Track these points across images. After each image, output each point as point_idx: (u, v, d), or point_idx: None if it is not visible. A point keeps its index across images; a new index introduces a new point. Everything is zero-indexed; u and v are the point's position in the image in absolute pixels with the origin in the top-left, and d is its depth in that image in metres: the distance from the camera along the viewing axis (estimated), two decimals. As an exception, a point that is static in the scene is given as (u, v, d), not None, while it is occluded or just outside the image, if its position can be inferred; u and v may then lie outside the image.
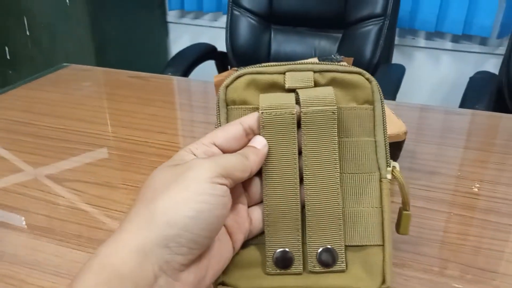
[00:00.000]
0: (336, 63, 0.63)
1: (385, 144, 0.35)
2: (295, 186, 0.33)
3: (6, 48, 1.91)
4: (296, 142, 0.33)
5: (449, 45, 1.82)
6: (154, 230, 0.26)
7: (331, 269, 0.33)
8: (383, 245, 0.34)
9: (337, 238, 0.34)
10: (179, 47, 1.90)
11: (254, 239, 0.35)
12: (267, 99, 0.34)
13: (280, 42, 1.49)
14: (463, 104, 1.13)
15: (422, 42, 1.85)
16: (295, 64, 0.35)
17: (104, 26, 1.78)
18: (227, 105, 0.35)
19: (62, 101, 0.77)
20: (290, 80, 0.34)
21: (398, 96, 1.22)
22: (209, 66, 1.53)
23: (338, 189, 0.33)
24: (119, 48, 1.88)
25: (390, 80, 1.25)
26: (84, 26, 1.72)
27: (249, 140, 0.33)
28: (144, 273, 0.25)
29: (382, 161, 0.34)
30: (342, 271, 0.33)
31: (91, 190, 0.52)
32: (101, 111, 0.74)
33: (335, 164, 0.33)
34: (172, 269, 0.26)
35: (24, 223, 0.47)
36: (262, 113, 0.33)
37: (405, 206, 0.35)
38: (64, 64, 0.95)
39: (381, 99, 0.35)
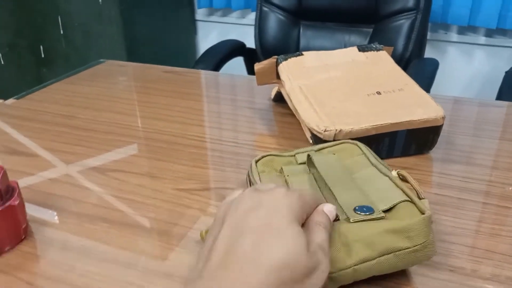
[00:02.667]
0: (376, 51, 0.63)
1: (383, 164, 0.44)
2: None
3: (41, 47, 1.97)
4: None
5: (482, 39, 1.78)
6: None
7: (370, 216, 0.36)
8: (411, 201, 0.37)
9: (365, 198, 0.38)
10: (207, 45, 1.92)
11: None
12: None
13: (309, 38, 1.49)
14: (499, 98, 1.10)
15: (454, 36, 1.81)
16: (300, 148, 0.49)
17: (135, 25, 1.82)
18: (258, 172, 0.46)
19: (101, 95, 0.79)
20: (300, 157, 0.48)
21: (432, 90, 1.20)
22: (238, 62, 1.54)
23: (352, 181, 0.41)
24: (149, 46, 1.91)
25: (424, 74, 1.23)
26: (116, 25, 1.76)
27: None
28: None
29: (385, 171, 0.42)
30: (382, 218, 0.36)
31: (133, 179, 0.54)
32: (138, 104, 0.76)
33: (344, 174, 0.43)
34: None
35: (71, 210, 0.48)
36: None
37: (419, 195, 0.40)
38: (101, 60, 0.98)
39: (367, 150, 0.47)
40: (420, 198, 0.39)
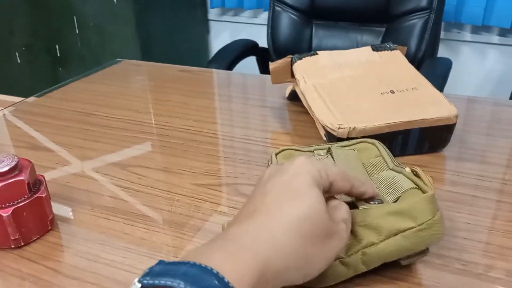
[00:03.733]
0: (390, 51, 0.64)
1: (398, 165, 0.44)
2: None
3: (57, 47, 2.01)
4: None
5: (496, 39, 1.77)
6: (295, 276, 0.32)
7: (380, 204, 0.38)
8: (418, 188, 0.39)
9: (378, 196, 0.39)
10: (219, 44, 1.94)
11: None
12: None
13: (321, 37, 1.50)
14: (513, 98, 1.10)
15: (468, 36, 1.80)
16: (319, 145, 0.50)
17: (149, 25, 1.84)
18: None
19: (118, 93, 0.81)
20: (318, 153, 0.48)
21: (445, 90, 1.20)
22: (250, 61, 1.55)
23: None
24: (163, 46, 1.94)
25: (437, 74, 1.23)
26: (130, 25, 1.79)
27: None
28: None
29: (400, 170, 0.43)
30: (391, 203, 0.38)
31: (152, 174, 0.55)
32: (154, 102, 0.78)
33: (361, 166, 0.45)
34: None
35: (94, 203, 0.50)
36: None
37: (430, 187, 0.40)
38: (117, 59, 1.00)
39: (385, 150, 0.47)
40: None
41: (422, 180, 0.40)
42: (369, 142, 0.49)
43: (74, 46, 1.95)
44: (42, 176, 0.46)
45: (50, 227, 0.46)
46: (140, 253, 0.42)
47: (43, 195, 0.44)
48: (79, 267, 0.41)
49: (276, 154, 0.49)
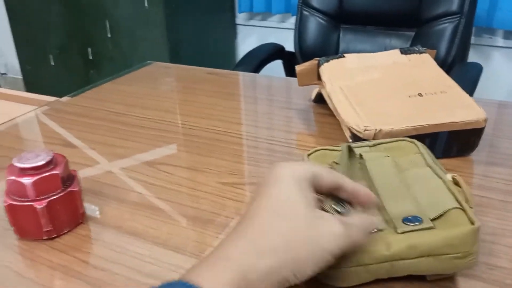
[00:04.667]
0: (419, 54, 0.63)
1: (438, 166, 0.44)
2: None
3: (89, 50, 2.07)
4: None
5: (529, 44, 1.72)
6: (283, 273, 0.31)
7: (418, 227, 0.36)
8: (462, 208, 0.37)
9: (415, 206, 0.38)
10: (246, 48, 1.95)
11: None
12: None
13: (348, 41, 1.49)
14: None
15: (500, 41, 1.76)
16: (354, 143, 0.49)
17: (179, 29, 1.88)
18: None
19: (149, 94, 0.84)
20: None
21: (475, 95, 1.17)
22: (277, 65, 1.56)
23: (402, 183, 0.41)
24: (191, 49, 1.97)
25: (467, 79, 1.21)
26: (160, 29, 1.83)
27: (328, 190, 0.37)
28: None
29: (440, 173, 0.42)
30: (430, 228, 0.36)
31: (180, 172, 0.57)
32: (183, 103, 0.79)
33: (397, 177, 0.42)
34: None
35: (123, 199, 0.52)
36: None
37: (469, 203, 0.39)
38: (148, 62, 1.02)
39: (425, 149, 0.46)
40: (470, 207, 0.38)
41: (464, 191, 0.39)
42: (408, 141, 0.48)
43: (105, 49, 2.01)
44: (75, 171, 0.48)
45: (81, 221, 0.47)
46: (166, 248, 0.43)
47: (76, 189, 0.45)
48: (107, 259, 0.42)
49: (309, 155, 0.48)
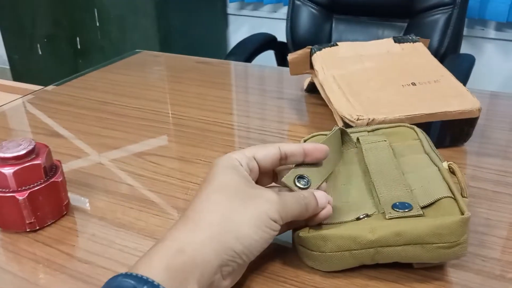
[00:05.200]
0: (412, 43, 0.62)
1: (435, 153, 0.42)
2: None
3: (78, 39, 2.03)
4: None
5: (521, 36, 1.72)
6: (223, 240, 0.32)
7: (406, 213, 0.36)
8: (454, 198, 0.36)
9: (406, 192, 0.38)
10: (238, 38, 1.93)
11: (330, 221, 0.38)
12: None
13: (341, 32, 1.48)
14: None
15: (492, 33, 1.76)
16: (352, 128, 0.48)
17: (169, 18, 1.85)
18: None
19: (136, 83, 0.82)
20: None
21: (467, 86, 1.17)
22: (268, 56, 1.54)
23: (398, 171, 0.40)
24: (181, 39, 1.94)
25: (459, 70, 1.20)
26: (150, 18, 1.80)
27: (280, 163, 0.39)
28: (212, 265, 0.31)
29: (437, 161, 0.41)
30: (419, 216, 0.36)
31: (168, 163, 0.55)
32: (172, 92, 0.77)
33: (392, 163, 0.41)
34: (226, 272, 0.32)
35: (109, 190, 0.50)
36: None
37: (463, 192, 0.38)
38: (136, 50, 1.00)
39: (424, 136, 0.46)
40: (463, 196, 0.38)
41: (458, 180, 0.38)
42: (407, 127, 0.47)
43: (94, 38, 1.97)
44: (59, 161, 0.46)
45: (65, 212, 0.46)
46: (154, 240, 0.42)
47: (59, 180, 0.44)
48: (92, 252, 0.41)
49: (305, 141, 0.47)
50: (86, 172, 0.54)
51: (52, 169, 0.45)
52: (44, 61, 2.18)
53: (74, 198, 0.49)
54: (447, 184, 0.38)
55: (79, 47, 2.05)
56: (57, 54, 2.13)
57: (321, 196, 0.36)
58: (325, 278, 0.37)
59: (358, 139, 0.45)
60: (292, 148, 0.38)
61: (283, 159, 0.39)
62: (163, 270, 0.29)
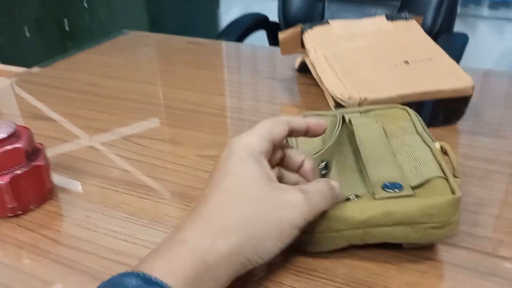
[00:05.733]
0: (405, 20, 0.61)
1: (428, 133, 0.41)
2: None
3: (65, 21, 1.98)
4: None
5: (516, 15, 1.70)
6: (243, 251, 0.29)
7: (397, 194, 0.35)
8: (446, 178, 0.35)
9: (396, 172, 0.37)
10: (230, 19, 1.90)
11: None
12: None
13: (333, 11, 1.45)
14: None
15: (486, 11, 1.74)
16: (346, 108, 0.48)
17: (158, -2, 1.81)
18: None
19: (125, 64, 0.80)
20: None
21: (460, 65, 1.16)
22: (260, 36, 1.51)
23: (390, 150, 0.39)
24: (172, 20, 1.91)
25: (452, 49, 1.19)
26: (139, -2, 1.75)
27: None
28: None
29: (429, 142, 0.40)
30: (410, 196, 0.35)
31: (155, 145, 0.54)
32: (162, 74, 0.76)
33: (384, 143, 0.40)
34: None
35: (95, 173, 0.49)
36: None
37: (455, 172, 0.37)
38: (124, 30, 0.98)
39: (416, 116, 0.44)
40: (455, 176, 0.37)
41: (450, 160, 0.38)
42: (400, 108, 0.46)
43: (82, 20, 1.93)
44: (41, 144, 0.45)
45: (49, 197, 0.45)
46: (140, 223, 0.41)
47: (42, 164, 0.43)
48: (77, 237, 0.40)
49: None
50: (72, 156, 0.52)
51: (34, 152, 0.43)
52: (32, 43, 2.13)
53: (59, 182, 0.47)
54: (439, 164, 0.37)
55: (67, 29, 2.00)
56: (45, 36, 2.08)
57: (336, 185, 0.35)
58: (314, 259, 0.36)
59: (350, 120, 0.44)
60: (299, 123, 0.36)
61: (288, 134, 0.37)
62: (183, 279, 0.27)
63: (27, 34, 2.11)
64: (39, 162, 0.42)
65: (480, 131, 0.55)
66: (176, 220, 0.41)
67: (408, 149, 0.39)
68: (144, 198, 0.45)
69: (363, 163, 0.38)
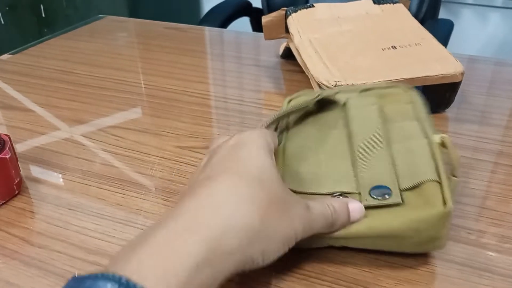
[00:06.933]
0: (392, 4, 0.58)
1: (428, 123, 0.38)
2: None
3: (42, 6, 1.91)
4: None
5: (499, 1, 1.70)
6: (250, 252, 0.26)
7: (384, 201, 0.32)
8: (440, 182, 0.32)
9: (387, 174, 0.33)
10: (211, 4, 1.85)
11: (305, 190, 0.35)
12: None
13: (318, -3, 1.42)
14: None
15: (470, -2, 1.73)
16: (344, 86, 0.44)
17: (137, -17, 1.75)
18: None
19: (99, 50, 0.76)
20: (340, 98, 0.42)
21: (445, 52, 1.15)
22: (244, 22, 1.48)
23: (383, 140, 0.36)
24: (152, 5, 1.85)
25: (438, 35, 1.17)
26: (117, -18, 1.70)
27: None
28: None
29: (429, 132, 0.36)
30: (397, 204, 0.32)
31: (132, 136, 0.51)
32: (138, 60, 0.72)
33: (378, 128, 0.37)
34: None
35: (66, 166, 0.46)
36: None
37: (453, 171, 0.34)
38: (100, 16, 0.93)
39: (419, 100, 0.41)
40: (453, 176, 0.34)
41: (450, 157, 0.34)
42: (403, 88, 0.42)
43: (59, 5, 1.86)
44: (7, 135, 0.42)
45: (17, 191, 0.42)
46: (115, 220, 0.38)
47: (7, 156, 0.39)
48: (47, 235, 0.37)
49: (289, 101, 0.44)
50: (42, 147, 0.49)
51: (-1, 145, 0.40)
52: (7, 30, 2.05)
53: (29, 176, 0.44)
54: (435, 162, 0.34)
55: (43, 15, 1.93)
56: (20, 23, 2.01)
57: (356, 209, 0.32)
58: (299, 257, 0.34)
59: (344, 103, 0.41)
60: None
61: None
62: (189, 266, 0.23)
63: (1, 21, 2.03)
64: (4, 155, 0.39)
65: (466, 118, 0.53)
66: (154, 216, 0.39)
67: (404, 138, 0.36)
68: (119, 193, 0.42)
69: (354, 154, 0.36)
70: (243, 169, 0.28)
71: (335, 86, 0.48)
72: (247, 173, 0.28)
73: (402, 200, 0.32)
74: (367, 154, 0.35)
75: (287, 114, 0.42)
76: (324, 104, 0.42)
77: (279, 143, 0.40)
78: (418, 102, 0.41)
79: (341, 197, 0.33)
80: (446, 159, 0.34)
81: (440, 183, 0.32)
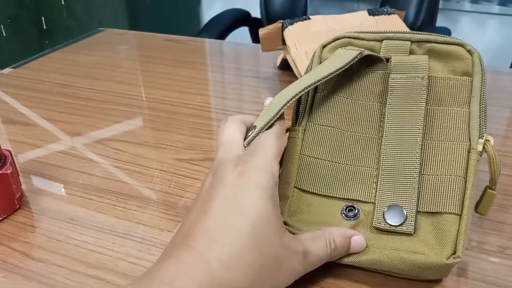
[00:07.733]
0: (387, 15, 0.59)
1: (480, 116, 0.33)
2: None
3: (43, 18, 1.93)
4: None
5: (496, 8, 1.71)
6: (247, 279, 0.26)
7: (396, 228, 0.31)
8: (460, 215, 0.31)
9: (408, 197, 0.32)
10: (211, 14, 1.87)
11: (319, 190, 0.35)
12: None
13: (316, 6, 1.44)
14: (514, 69, 1.06)
15: (467, 5, 1.75)
16: (393, 32, 0.35)
17: (137, -6, 1.77)
18: (320, 62, 0.37)
19: (100, 63, 0.77)
20: (386, 48, 0.35)
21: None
22: (243, 32, 1.49)
23: (417, 152, 0.32)
24: (152, 16, 1.87)
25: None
26: (118, -6, 1.72)
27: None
28: None
29: (474, 132, 0.33)
30: (409, 234, 0.31)
31: (131, 149, 0.52)
32: (138, 73, 0.73)
33: (418, 129, 0.33)
34: None
35: (66, 180, 0.47)
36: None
37: (492, 184, 0.33)
38: (100, 28, 0.95)
39: (482, 71, 0.34)
40: (490, 188, 0.33)
41: (490, 168, 0.32)
42: (463, 48, 0.35)
43: (60, 17, 1.88)
44: (8, 151, 0.43)
45: (18, 206, 0.42)
46: (114, 233, 0.39)
47: (9, 172, 0.40)
48: (47, 249, 0.38)
49: (324, 46, 0.37)
50: (43, 162, 0.50)
51: (0, 160, 0.41)
52: (9, 42, 2.07)
53: (29, 189, 0.45)
54: (465, 187, 0.31)
55: (44, 27, 1.95)
56: (22, 35, 2.03)
57: (358, 243, 0.32)
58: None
59: (387, 59, 0.35)
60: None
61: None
62: None
63: (3, 33, 2.05)
64: (6, 170, 0.40)
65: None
66: (153, 229, 0.39)
67: (443, 136, 0.33)
68: (118, 206, 0.42)
69: (380, 153, 0.33)
70: (238, 226, 0.27)
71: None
72: (242, 232, 0.26)
73: (415, 228, 0.31)
74: (394, 158, 0.33)
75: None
76: (362, 62, 0.36)
77: (300, 123, 0.37)
78: (479, 73, 0.34)
79: (351, 219, 0.33)
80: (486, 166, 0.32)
81: (460, 216, 0.31)
